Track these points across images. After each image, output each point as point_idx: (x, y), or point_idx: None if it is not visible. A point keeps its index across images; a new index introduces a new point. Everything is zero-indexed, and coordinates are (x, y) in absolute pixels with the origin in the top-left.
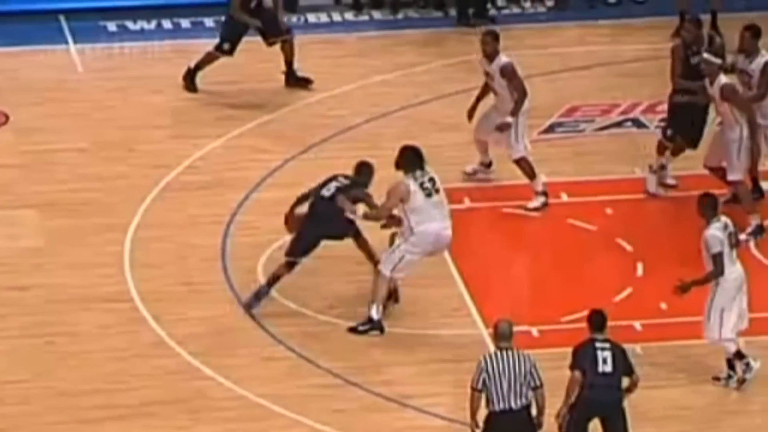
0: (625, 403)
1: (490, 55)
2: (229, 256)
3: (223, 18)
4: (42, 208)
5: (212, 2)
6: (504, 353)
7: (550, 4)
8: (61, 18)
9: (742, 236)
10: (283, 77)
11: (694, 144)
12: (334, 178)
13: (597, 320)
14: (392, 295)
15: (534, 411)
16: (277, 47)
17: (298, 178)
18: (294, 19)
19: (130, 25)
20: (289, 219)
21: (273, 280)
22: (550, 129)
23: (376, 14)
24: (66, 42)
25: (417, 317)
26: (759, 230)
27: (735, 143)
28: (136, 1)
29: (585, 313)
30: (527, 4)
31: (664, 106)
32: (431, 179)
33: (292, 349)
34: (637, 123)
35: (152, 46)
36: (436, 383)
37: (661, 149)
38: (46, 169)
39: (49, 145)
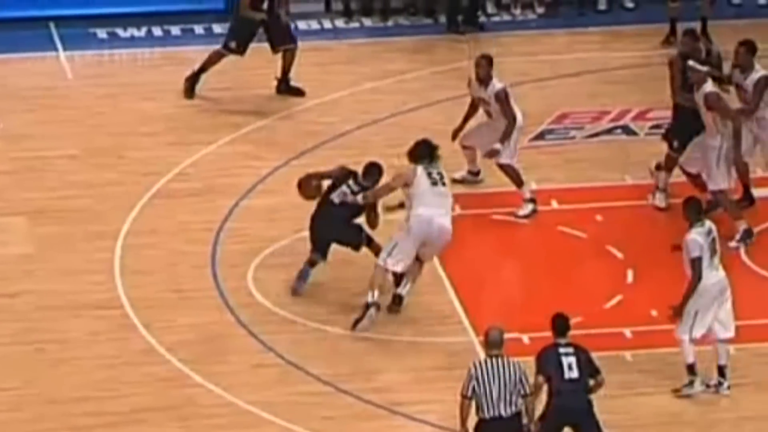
0: (596, 409)
1: (484, 80)
2: (219, 263)
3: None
4: (32, 215)
5: (202, 10)
6: (494, 361)
7: (539, 11)
8: (51, 25)
9: (732, 243)
10: (275, 84)
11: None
12: (345, 180)
13: (560, 324)
14: (395, 299)
15: (524, 419)
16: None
17: (288, 185)
18: None
19: (120, 32)
20: (303, 185)
21: (310, 263)
22: (540, 136)
23: (367, 21)
24: (56, 49)
25: (407, 324)
26: (747, 235)
27: (715, 151)
28: (126, 8)
29: (576, 320)
30: (517, 11)
31: (655, 113)
32: (440, 173)
33: (281, 356)
34: (627, 130)
35: (142, 54)
36: (426, 390)
37: (669, 165)
38: (36, 176)
39: (39, 152)
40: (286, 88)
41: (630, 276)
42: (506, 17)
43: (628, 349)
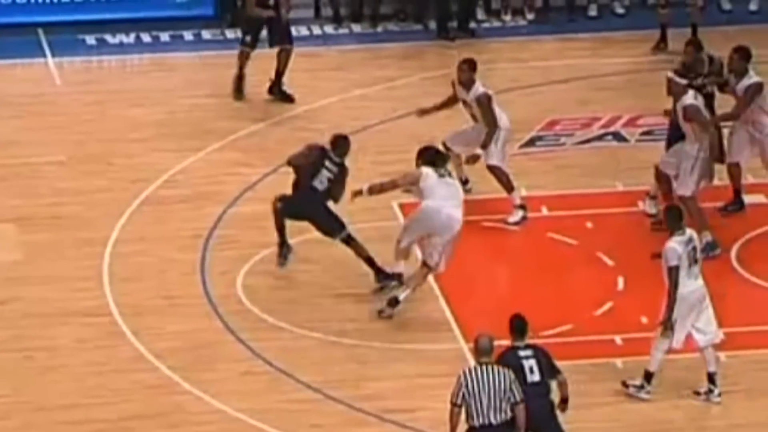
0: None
1: (466, 84)
2: (208, 270)
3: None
4: (20, 222)
5: (191, 16)
6: (484, 368)
7: (530, 17)
8: (40, 31)
9: None
10: (267, 87)
11: (720, 159)
12: (322, 163)
13: (518, 326)
14: (390, 301)
15: (514, 426)
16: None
17: (277, 192)
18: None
19: (108, 38)
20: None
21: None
22: (531, 143)
23: (356, 28)
24: (44, 55)
25: (397, 331)
26: (710, 247)
27: (690, 160)
28: (114, 14)
29: (566, 327)
30: (507, 18)
31: (645, 120)
32: (448, 171)
33: (270, 363)
34: (618, 137)
35: (131, 60)
36: (416, 398)
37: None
38: (25, 183)
39: (27, 159)
40: (278, 92)
41: (620, 283)
42: (496, 23)
43: (618, 357)
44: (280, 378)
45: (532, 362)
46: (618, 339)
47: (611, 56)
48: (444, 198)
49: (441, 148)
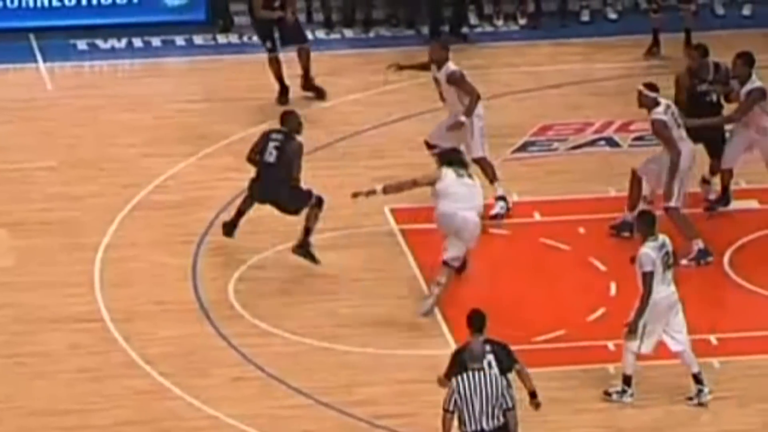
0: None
1: (438, 62)
2: (200, 276)
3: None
4: (11, 227)
5: (183, 21)
6: (476, 374)
7: (522, 22)
8: (31, 36)
9: (684, 261)
10: (300, 84)
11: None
12: (268, 137)
13: (476, 321)
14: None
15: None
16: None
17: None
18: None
19: (100, 43)
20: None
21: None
22: (523, 148)
23: (348, 33)
24: (36, 60)
25: (388, 337)
26: (703, 255)
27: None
28: (106, 19)
29: (559, 333)
30: (500, 23)
31: (638, 125)
32: (469, 174)
33: (262, 368)
34: (611, 142)
35: (123, 65)
36: (407, 404)
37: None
38: (16, 188)
39: (18, 164)
40: (310, 87)
41: (613, 289)
42: (489, 28)
43: (611, 362)
44: (271, 384)
45: (491, 357)
46: (611, 345)
47: (604, 61)
48: (459, 200)
49: (425, 147)
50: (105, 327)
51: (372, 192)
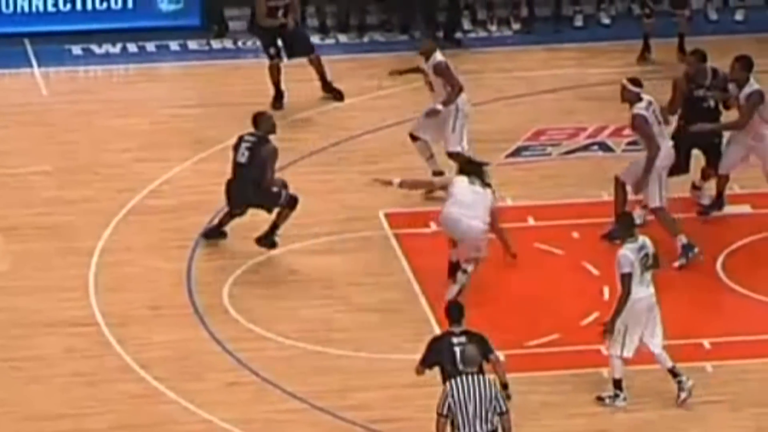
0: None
1: (426, 54)
2: (194, 280)
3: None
4: (6, 232)
5: (178, 26)
6: (470, 378)
7: (516, 27)
8: (26, 41)
9: (675, 264)
10: (320, 86)
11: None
12: (241, 138)
13: (453, 312)
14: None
15: None
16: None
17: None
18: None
19: (95, 48)
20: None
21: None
22: (517, 153)
23: (342, 38)
24: (30, 65)
25: (382, 342)
26: (688, 248)
27: (654, 170)
28: (101, 24)
29: (553, 337)
30: (493, 28)
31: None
32: (483, 183)
33: (257, 373)
34: (604, 147)
35: (117, 70)
36: (402, 408)
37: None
38: (11, 193)
39: (13, 169)
40: (329, 90)
41: (606, 293)
42: (483, 33)
43: (604, 366)
44: (266, 388)
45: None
46: (604, 349)
47: (597, 66)
48: (464, 206)
49: (409, 139)
50: (100, 331)
51: (389, 183)
